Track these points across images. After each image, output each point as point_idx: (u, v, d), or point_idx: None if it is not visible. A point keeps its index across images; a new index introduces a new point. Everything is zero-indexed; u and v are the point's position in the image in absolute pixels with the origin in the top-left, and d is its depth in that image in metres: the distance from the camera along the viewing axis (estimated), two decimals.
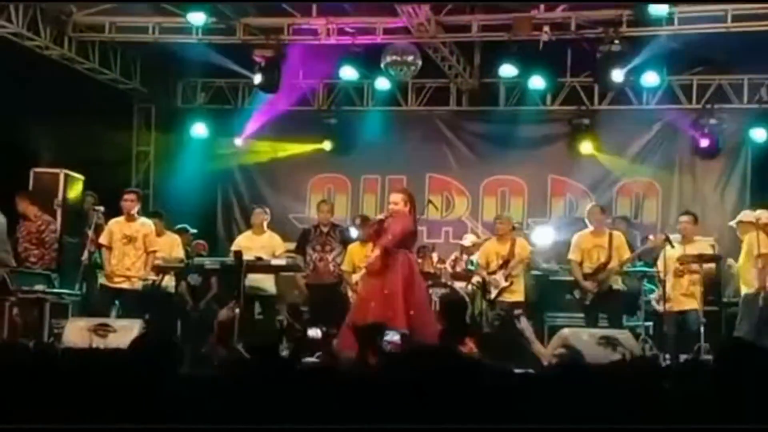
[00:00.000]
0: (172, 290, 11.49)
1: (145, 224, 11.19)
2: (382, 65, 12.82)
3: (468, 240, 12.64)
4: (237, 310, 11.07)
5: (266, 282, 11.70)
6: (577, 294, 11.16)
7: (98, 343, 9.45)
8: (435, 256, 12.87)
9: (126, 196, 11.19)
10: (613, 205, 14.05)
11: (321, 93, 15.11)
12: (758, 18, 11.59)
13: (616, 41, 12.10)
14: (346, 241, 12.03)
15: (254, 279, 11.45)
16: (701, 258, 10.46)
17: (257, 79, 13.27)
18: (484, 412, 2.64)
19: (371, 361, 7.42)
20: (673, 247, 10.53)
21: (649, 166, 14.22)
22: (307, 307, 12.26)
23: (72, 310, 11.01)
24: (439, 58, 13.35)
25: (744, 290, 10.14)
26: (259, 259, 11.15)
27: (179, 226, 12.34)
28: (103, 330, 9.74)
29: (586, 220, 11.30)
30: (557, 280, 12.09)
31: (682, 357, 9.54)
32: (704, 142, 13.71)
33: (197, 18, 12.41)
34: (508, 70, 13.08)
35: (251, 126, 14.76)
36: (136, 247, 11.02)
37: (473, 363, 2.83)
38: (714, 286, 11.27)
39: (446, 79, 14.28)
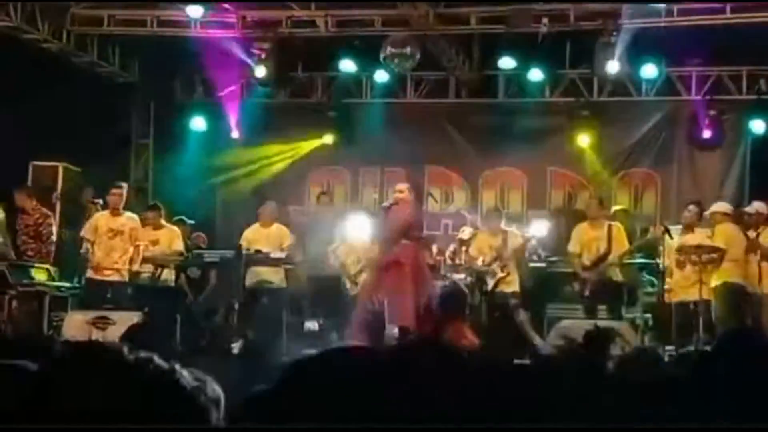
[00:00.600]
0: (172, 283, 11.50)
1: (131, 218, 11.22)
2: (381, 58, 12.80)
3: (466, 233, 12.63)
4: (236, 304, 11.10)
5: (275, 275, 11.68)
6: (576, 286, 11.20)
7: (97, 335, 9.48)
8: (434, 249, 12.86)
9: (114, 191, 11.21)
10: (612, 196, 14.04)
11: (320, 85, 15.10)
12: (757, 9, 11.59)
13: (615, 33, 12.08)
14: (345, 234, 12.03)
15: (261, 272, 11.46)
16: (700, 249, 10.46)
17: (256, 71, 13.28)
18: (470, 405, 2.64)
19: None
20: (672, 238, 10.54)
21: (648, 158, 14.21)
22: (308, 300, 12.26)
23: (71, 303, 11.02)
24: (438, 51, 13.33)
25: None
26: (259, 251, 11.16)
27: (177, 217, 12.33)
28: (102, 323, 9.76)
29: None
30: (556, 271, 12.09)
31: (682, 349, 9.55)
32: (706, 134, 13.69)
33: (196, 11, 12.40)
34: (507, 63, 13.07)
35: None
36: (123, 240, 11.04)
37: (462, 354, 2.82)
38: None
39: (445, 71, 14.26)
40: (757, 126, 13.46)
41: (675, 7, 11.75)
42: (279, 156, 15.10)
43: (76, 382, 1.70)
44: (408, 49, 12.58)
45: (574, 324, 9.76)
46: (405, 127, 14.80)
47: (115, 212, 11.14)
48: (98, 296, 10.91)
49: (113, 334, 9.54)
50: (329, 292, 11.83)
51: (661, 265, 10.55)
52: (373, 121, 14.67)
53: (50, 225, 11.52)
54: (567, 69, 14.00)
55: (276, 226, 11.99)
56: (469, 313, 10.13)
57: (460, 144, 14.80)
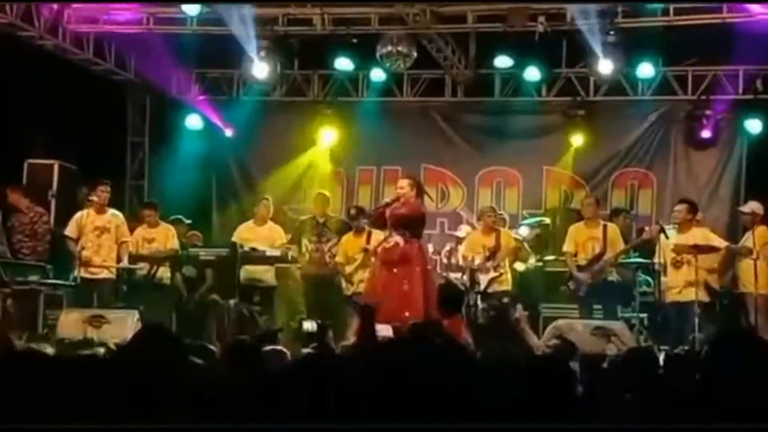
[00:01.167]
0: (167, 281, 11.49)
1: (117, 215, 11.26)
2: (377, 56, 12.78)
3: (462, 231, 12.64)
4: (232, 302, 11.10)
5: (266, 273, 11.71)
6: (571, 285, 11.20)
7: (92, 334, 9.48)
8: (430, 247, 12.86)
9: (101, 188, 11.22)
10: (608, 196, 14.04)
11: (316, 83, 15.08)
12: (753, 9, 11.59)
13: (612, 32, 12.08)
14: (342, 232, 12.02)
15: (253, 270, 11.47)
16: (696, 248, 10.46)
17: (252, 69, 13.27)
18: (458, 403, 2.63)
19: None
20: (667, 237, 10.54)
21: (644, 157, 14.20)
22: (303, 299, 12.25)
23: (66, 301, 11.00)
24: (434, 49, 13.32)
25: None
26: (254, 250, 11.16)
27: (174, 216, 12.33)
28: (97, 321, 9.75)
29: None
30: (552, 271, 12.08)
31: (678, 349, 9.55)
32: (702, 133, 13.69)
33: (191, 8, 12.38)
34: (503, 61, 13.07)
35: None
36: (110, 238, 11.04)
37: (450, 349, 2.82)
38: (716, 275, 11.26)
39: (441, 70, 14.25)
40: (753, 125, 13.45)
41: (671, 6, 11.75)
42: (275, 154, 15.08)
43: None
44: (404, 48, 12.57)
45: (569, 323, 9.79)
46: (401, 126, 14.79)
47: (101, 209, 11.13)
48: (89, 295, 10.89)
49: (108, 332, 9.55)
50: (325, 291, 11.82)
51: (656, 265, 10.54)
52: (369, 120, 14.66)
53: (46, 223, 11.53)
54: (563, 68, 13.99)
55: (270, 225, 12.02)
56: (465, 312, 10.15)
57: (456, 143, 14.79)
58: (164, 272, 11.38)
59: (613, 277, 11.14)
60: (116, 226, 11.12)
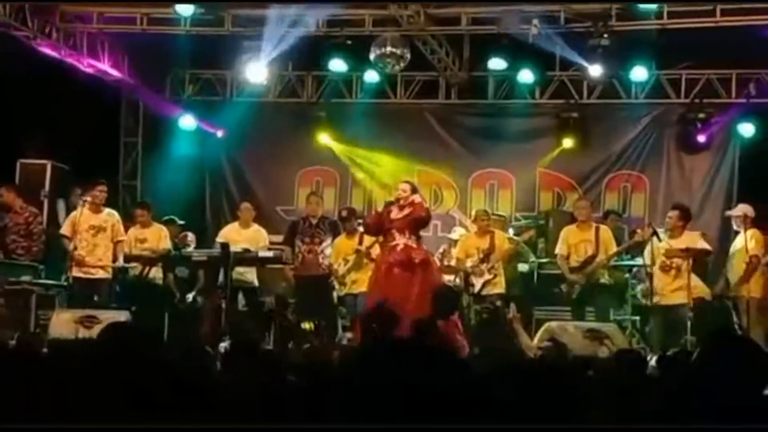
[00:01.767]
0: (160, 281, 11.48)
1: (112, 214, 11.22)
2: (371, 58, 12.78)
3: (456, 233, 12.64)
4: (223, 302, 11.09)
5: (248, 274, 11.72)
6: (564, 288, 11.21)
7: (84, 334, 9.45)
8: None
9: (99, 188, 11.18)
10: (601, 198, 14.06)
11: (309, 85, 15.08)
12: (747, 12, 11.61)
13: (605, 35, 12.10)
14: (335, 233, 12.02)
15: (236, 271, 11.47)
16: (688, 252, 10.48)
17: (245, 70, 13.27)
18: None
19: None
20: (660, 240, 10.55)
21: (637, 160, 14.23)
22: (295, 299, 12.25)
23: (58, 301, 10.98)
24: (428, 51, 13.33)
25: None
26: (247, 250, 11.15)
27: (167, 217, 12.31)
28: (89, 321, 9.72)
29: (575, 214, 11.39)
30: (544, 273, 12.09)
31: (670, 351, 9.56)
32: (695, 137, 13.71)
33: (185, 9, 12.36)
34: (497, 64, 13.08)
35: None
36: (106, 237, 11.01)
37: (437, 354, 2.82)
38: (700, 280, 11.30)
39: (435, 72, 14.26)
40: (746, 129, 13.49)
41: (665, 10, 11.77)
42: (267, 156, 15.08)
43: None
44: (398, 50, 12.57)
45: (562, 325, 9.79)
46: (394, 128, 14.80)
47: (96, 209, 11.10)
48: (84, 295, 10.86)
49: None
50: (317, 292, 11.81)
51: (648, 268, 10.55)
52: (363, 122, 14.66)
53: (40, 224, 11.54)
54: (557, 71, 14.01)
55: (255, 228, 12.05)
56: (458, 314, 10.16)
57: (450, 144, 14.80)
58: (157, 272, 11.36)
59: (606, 279, 11.15)
60: (112, 225, 11.10)
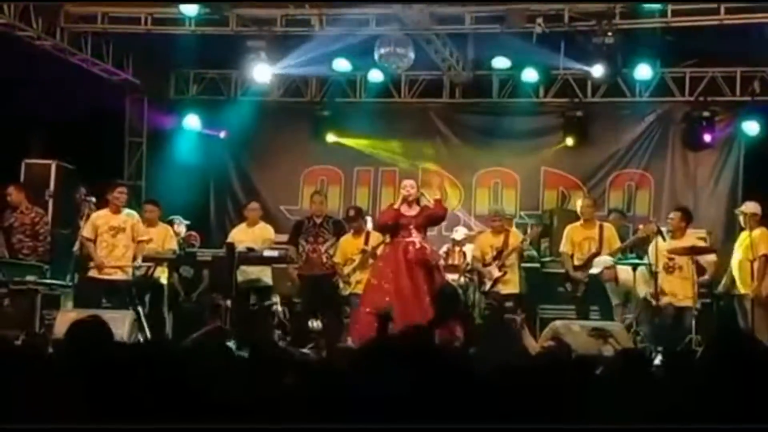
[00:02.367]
0: (165, 281, 11.49)
1: (131, 214, 11.21)
2: (375, 57, 12.78)
3: (459, 233, 12.65)
4: (229, 302, 11.11)
5: (262, 273, 11.72)
6: (568, 286, 11.21)
7: None
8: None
9: (120, 189, 11.21)
10: (605, 197, 14.06)
11: (314, 85, 15.09)
12: (751, 11, 11.61)
13: (609, 33, 12.09)
14: (339, 233, 12.02)
15: (250, 271, 11.49)
16: (692, 250, 10.48)
17: (250, 70, 13.28)
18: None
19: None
20: (665, 239, 10.55)
21: (641, 159, 14.22)
22: (300, 299, 12.26)
23: (63, 301, 10.99)
24: (432, 50, 13.32)
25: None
26: (251, 250, 11.16)
27: (172, 217, 12.33)
28: None
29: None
30: (548, 272, 12.09)
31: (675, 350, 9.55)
32: (699, 135, 13.71)
33: (190, 9, 12.37)
34: (501, 63, 13.07)
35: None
36: (126, 237, 11.02)
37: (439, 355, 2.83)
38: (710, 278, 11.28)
39: (439, 71, 14.26)
40: (750, 127, 13.48)
41: (669, 8, 11.76)
42: (272, 154, 15.10)
43: None
44: (402, 49, 12.56)
45: (566, 324, 9.79)
46: (399, 127, 14.80)
47: (116, 210, 11.12)
48: (99, 294, 10.89)
49: None
50: (322, 291, 11.82)
51: (653, 267, 10.55)
52: (367, 121, 14.67)
53: (47, 224, 11.56)
54: (561, 69, 14.00)
55: (261, 225, 12.06)
56: (463, 313, 10.18)
57: (454, 143, 14.81)
58: (162, 272, 11.36)
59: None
60: (131, 226, 11.09)
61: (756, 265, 10.30)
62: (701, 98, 13.77)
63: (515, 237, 11.62)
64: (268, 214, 13.30)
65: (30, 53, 12.64)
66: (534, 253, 12.47)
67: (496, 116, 14.56)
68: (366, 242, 11.57)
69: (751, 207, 10.68)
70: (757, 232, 10.48)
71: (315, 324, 11.59)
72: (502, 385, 3.11)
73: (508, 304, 11.05)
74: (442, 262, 11.75)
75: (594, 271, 10.69)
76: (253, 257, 11.23)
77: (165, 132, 15.12)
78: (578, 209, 11.67)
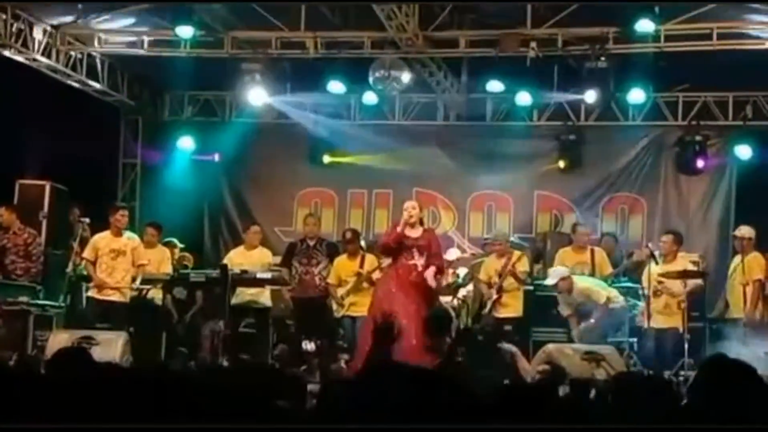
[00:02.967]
0: (159, 302, 11.48)
1: (132, 238, 11.26)
2: (369, 80, 12.83)
3: (452, 255, 12.67)
4: (221, 323, 11.09)
5: (261, 295, 11.71)
6: (561, 310, 11.21)
7: None
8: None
9: (122, 212, 11.29)
10: (598, 220, 14.08)
11: (308, 106, 15.10)
12: (743, 36, 11.69)
13: (603, 58, 12.15)
14: (332, 255, 12.03)
15: (250, 292, 11.49)
16: (684, 274, 10.51)
17: (245, 92, 13.32)
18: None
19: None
20: (657, 263, 10.57)
21: (634, 182, 14.27)
22: (293, 321, 12.25)
23: (56, 322, 10.98)
24: (426, 73, 13.38)
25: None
26: (245, 272, 11.17)
27: (167, 239, 12.33)
28: (87, 342, 9.71)
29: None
30: (541, 295, 12.08)
31: (666, 373, 9.57)
32: (692, 159, 13.76)
33: (185, 31, 12.40)
34: (495, 86, 13.12)
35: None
36: (125, 260, 11.05)
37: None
38: (698, 303, 11.32)
39: (434, 93, 14.31)
40: (742, 152, 13.53)
41: (662, 33, 11.82)
42: (266, 176, 15.11)
43: None
44: (396, 72, 12.61)
45: (559, 348, 9.78)
46: (393, 149, 14.83)
47: (117, 233, 11.17)
48: (98, 315, 10.90)
49: (97, 353, 9.51)
50: (315, 313, 11.82)
51: (645, 290, 10.57)
52: (361, 143, 14.70)
53: (39, 245, 11.57)
54: (554, 93, 14.05)
55: (259, 249, 12.05)
56: (456, 335, 10.17)
57: (448, 166, 14.82)
58: (155, 293, 11.36)
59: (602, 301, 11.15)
60: (132, 249, 11.15)
61: (749, 289, 10.33)
62: (694, 122, 13.84)
63: (518, 259, 11.60)
64: (263, 235, 13.27)
65: (25, 73, 12.66)
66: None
67: (489, 139, 14.60)
68: (361, 265, 11.58)
69: (745, 231, 10.72)
70: (751, 256, 10.53)
71: (308, 346, 11.57)
72: (503, 409, 3.12)
73: (507, 327, 11.05)
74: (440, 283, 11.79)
75: (549, 281, 10.68)
76: (246, 279, 11.23)
77: (159, 153, 15.13)
78: (573, 234, 11.68)
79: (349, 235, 12.09)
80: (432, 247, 10.18)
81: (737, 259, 10.71)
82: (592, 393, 5.75)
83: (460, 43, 12.65)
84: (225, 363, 9.75)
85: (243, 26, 12.83)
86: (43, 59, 12.79)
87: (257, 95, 13.32)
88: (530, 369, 8.74)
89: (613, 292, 10.52)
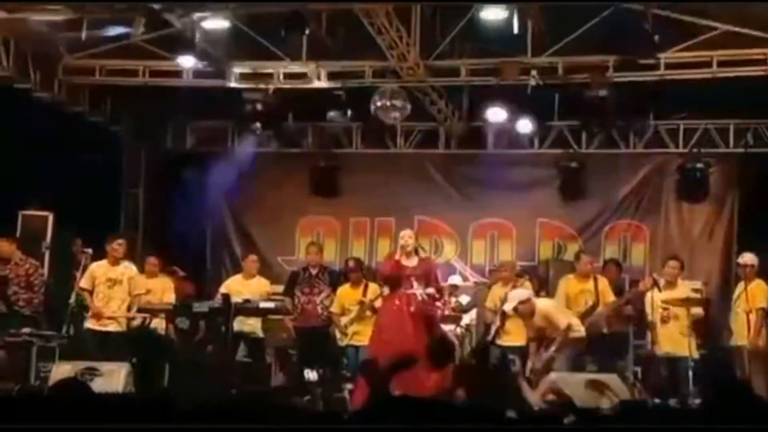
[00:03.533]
0: (162, 332, 11.47)
1: (129, 267, 11.27)
2: (371, 109, 12.87)
3: (452, 280, 12.68)
4: (225, 353, 11.06)
5: (254, 325, 11.71)
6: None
7: None
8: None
9: (118, 241, 11.28)
10: (601, 248, 14.08)
11: (310, 135, 15.17)
12: (743, 64, 11.73)
13: (603, 86, 12.19)
14: (334, 284, 12.02)
15: (240, 321, 11.47)
16: (687, 302, 10.49)
17: (246, 121, 13.36)
18: None
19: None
20: (660, 291, 10.55)
21: (636, 210, 14.29)
22: (296, 350, 12.22)
23: (59, 353, 10.95)
24: (428, 102, 13.43)
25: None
26: (247, 301, 11.16)
27: (169, 268, 12.32)
28: (89, 373, 9.70)
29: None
30: None
31: (672, 401, 9.53)
32: (695, 186, 13.78)
33: (187, 61, 12.45)
34: (496, 114, 13.16)
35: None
36: (122, 290, 11.05)
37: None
38: (702, 330, 11.28)
39: (435, 122, 14.35)
40: (744, 179, 13.54)
41: (662, 61, 11.87)
42: (268, 205, 15.12)
43: None
44: (398, 101, 12.66)
45: (563, 377, 9.74)
46: (395, 177, 14.86)
47: (114, 262, 11.19)
48: (96, 346, 10.89)
49: (100, 384, 9.51)
50: (317, 343, 11.79)
51: (649, 317, 10.55)
52: (363, 171, 14.73)
53: (42, 275, 11.55)
54: (555, 121, 14.10)
55: (257, 279, 12.04)
56: (460, 364, 10.15)
57: (450, 194, 14.85)
58: (158, 323, 11.35)
59: (606, 329, 11.13)
60: (129, 278, 11.17)
61: (753, 317, 10.31)
62: (695, 150, 13.86)
63: (523, 288, 11.57)
64: (266, 264, 13.27)
65: (27, 104, 12.70)
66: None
67: (491, 167, 14.60)
68: (364, 294, 11.56)
69: (748, 258, 10.70)
70: (754, 284, 10.50)
71: (311, 375, 11.52)
72: None
73: (512, 356, 11.00)
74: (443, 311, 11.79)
75: (507, 306, 10.47)
76: (249, 308, 11.22)
77: (162, 183, 15.15)
78: (577, 262, 11.66)
79: (352, 264, 12.09)
80: (430, 275, 10.18)
81: (741, 286, 10.69)
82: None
83: (461, 72, 12.71)
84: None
85: (245, 57, 12.88)
86: (46, 90, 12.83)
87: (259, 124, 13.35)
88: (536, 399, 8.69)
89: (575, 321, 10.45)
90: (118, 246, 11.20)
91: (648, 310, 10.63)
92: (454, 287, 12.68)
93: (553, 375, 9.81)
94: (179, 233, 14.24)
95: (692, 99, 12.87)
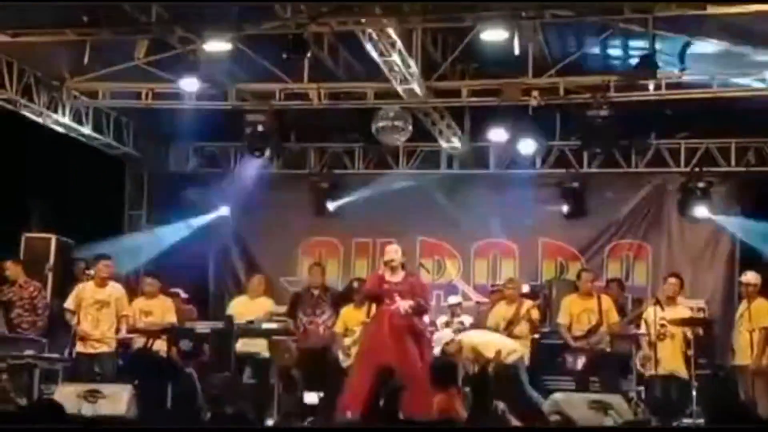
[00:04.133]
0: (164, 354, 11.46)
1: (116, 288, 11.22)
2: (373, 130, 12.91)
3: (453, 299, 12.70)
4: (227, 375, 11.05)
5: (259, 346, 11.70)
6: (568, 358, 11.16)
7: (87, 409, 9.42)
8: (426, 319, 12.84)
9: (105, 262, 11.18)
10: (603, 267, 14.09)
11: (313, 156, 15.21)
12: (743, 85, 11.78)
13: (604, 106, 12.23)
14: (337, 305, 12.01)
15: (246, 343, 11.47)
16: (687, 321, 10.49)
17: (248, 143, 13.40)
18: None
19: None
20: (663, 309, 10.54)
21: (638, 229, 14.32)
22: (299, 372, 12.20)
23: (62, 375, 10.95)
24: (429, 123, 13.47)
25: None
26: (250, 322, 11.16)
27: (172, 290, 12.32)
28: (92, 396, 9.69)
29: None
30: (548, 343, 12.05)
31: (674, 421, 9.52)
32: (696, 205, 13.80)
33: (190, 84, 12.49)
34: (498, 134, 13.19)
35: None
36: (110, 312, 11.01)
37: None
38: (705, 349, 11.27)
39: (437, 142, 14.39)
40: (745, 198, 13.55)
41: (663, 81, 11.90)
42: (271, 226, 15.15)
43: None
44: (400, 122, 12.70)
45: (567, 397, 9.73)
46: (397, 198, 14.87)
47: (101, 283, 11.11)
48: (87, 370, 10.85)
49: (104, 407, 9.51)
50: (320, 363, 11.77)
51: (652, 337, 10.55)
52: (366, 192, 14.76)
53: (45, 298, 11.56)
54: (557, 141, 14.14)
55: (262, 299, 12.05)
56: (462, 384, 10.12)
57: (452, 215, 14.85)
58: (161, 345, 11.34)
59: (609, 349, 11.13)
60: (116, 299, 11.11)
61: (756, 336, 10.29)
62: (696, 169, 13.89)
63: (527, 307, 11.57)
64: (269, 285, 13.28)
65: (31, 127, 12.75)
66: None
67: (493, 187, 14.63)
68: (368, 314, 11.51)
69: (751, 277, 10.69)
70: (757, 302, 10.49)
71: (311, 398, 11.50)
72: None
73: (513, 371, 10.95)
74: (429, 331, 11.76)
75: (436, 350, 10.49)
76: (252, 329, 11.23)
77: (165, 205, 15.18)
78: (578, 280, 11.66)
79: (356, 284, 12.09)
80: (415, 291, 10.02)
81: (744, 305, 10.68)
82: None
83: (462, 93, 12.74)
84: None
85: (247, 78, 12.92)
86: (50, 113, 12.88)
87: (261, 146, 13.39)
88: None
89: (509, 346, 10.43)
90: (103, 266, 11.12)
91: (644, 329, 10.60)
92: (457, 306, 12.67)
93: (557, 395, 9.81)
94: (182, 255, 14.24)
95: (693, 118, 12.90)
